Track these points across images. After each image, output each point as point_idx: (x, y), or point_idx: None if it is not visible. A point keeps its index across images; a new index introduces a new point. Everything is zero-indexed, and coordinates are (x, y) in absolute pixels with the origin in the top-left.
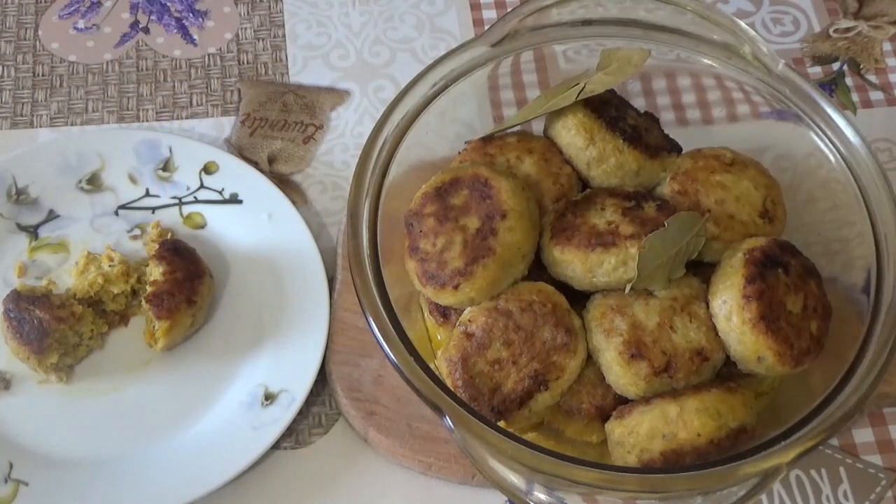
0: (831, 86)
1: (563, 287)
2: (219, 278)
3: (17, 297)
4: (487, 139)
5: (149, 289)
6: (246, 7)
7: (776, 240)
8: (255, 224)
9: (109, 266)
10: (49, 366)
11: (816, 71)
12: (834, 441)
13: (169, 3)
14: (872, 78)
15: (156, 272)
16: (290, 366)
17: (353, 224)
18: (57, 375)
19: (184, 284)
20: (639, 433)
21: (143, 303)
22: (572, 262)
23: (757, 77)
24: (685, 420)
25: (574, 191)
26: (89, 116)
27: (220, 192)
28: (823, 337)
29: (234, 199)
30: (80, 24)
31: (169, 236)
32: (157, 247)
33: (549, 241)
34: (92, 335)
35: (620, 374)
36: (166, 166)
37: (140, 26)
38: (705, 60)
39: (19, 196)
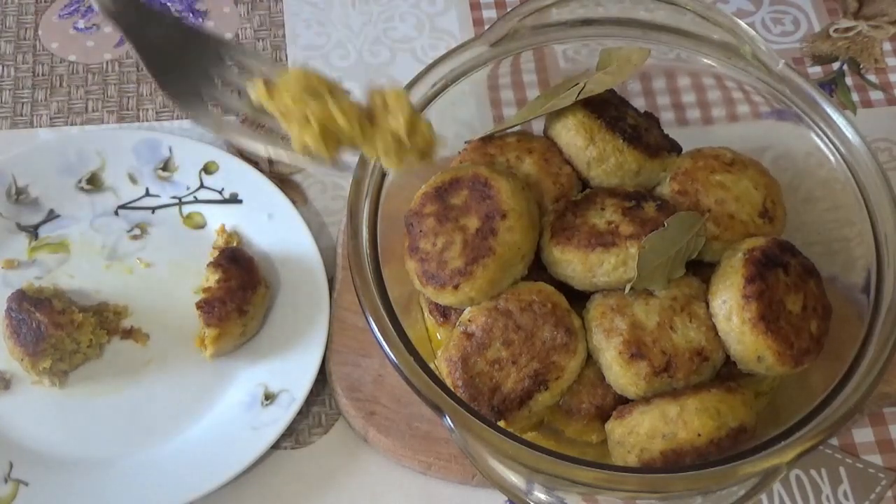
0: (831, 86)
1: (563, 287)
2: None
3: (21, 296)
4: (487, 139)
5: (202, 294)
6: (246, 7)
7: (776, 240)
8: (255, 224)
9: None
10: (41, 370)
11: (816, 71)
12: (834, 441)
13: (169, 3)
14: (872, 78)
15: (210, 279)
16: (290, 366)
17: (353, 224)
18: (50, 379)
19: (236, 293)
20: (639, 433)
21: (195, 308)
22: (572, 262)
23: (757, 77)
24: (685, 420)
25: (574, 191)
26: (89, 116)
27: (220, 192)
28: (823, 337)
29: (234, 199)
30: (80, 24)
31: (235, 243)
32: (217, 254)
33: (549, 241)
34: (91, 344)
35: (620, 374)
36: (166, 166)
37: None
38: (705, 60)
39: (19, 196)
